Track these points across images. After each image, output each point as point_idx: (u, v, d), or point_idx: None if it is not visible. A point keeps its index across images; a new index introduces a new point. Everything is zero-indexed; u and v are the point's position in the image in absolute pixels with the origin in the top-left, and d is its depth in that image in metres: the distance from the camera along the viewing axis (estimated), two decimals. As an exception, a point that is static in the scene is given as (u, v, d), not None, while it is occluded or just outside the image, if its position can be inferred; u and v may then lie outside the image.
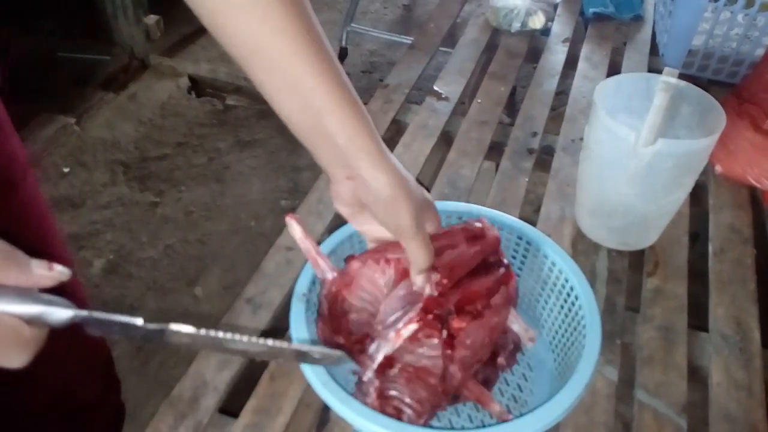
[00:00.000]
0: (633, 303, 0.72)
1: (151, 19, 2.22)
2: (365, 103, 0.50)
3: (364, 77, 2.30)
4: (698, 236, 0.82)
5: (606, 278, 0.74)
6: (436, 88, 1.04)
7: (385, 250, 0.53)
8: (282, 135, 1.96)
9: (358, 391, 0.51)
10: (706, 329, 0.69)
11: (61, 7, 2.30)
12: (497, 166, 0.91)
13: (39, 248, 0.33)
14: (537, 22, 1.17)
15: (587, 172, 0.74)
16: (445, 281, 0.50)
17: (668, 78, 0.67)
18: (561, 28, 1.21)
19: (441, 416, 0.58)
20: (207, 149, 1.90)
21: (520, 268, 0.66)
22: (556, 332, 0.61)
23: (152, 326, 0.36)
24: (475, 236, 0.55)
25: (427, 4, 2.58)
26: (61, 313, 0.34)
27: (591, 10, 1.21)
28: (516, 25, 1.17)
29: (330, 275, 0.55)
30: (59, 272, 0.34)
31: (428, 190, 0.80)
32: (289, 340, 0.52)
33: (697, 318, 0.70)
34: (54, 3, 2.30)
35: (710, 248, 0.78)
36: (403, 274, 0.52)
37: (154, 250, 1.60)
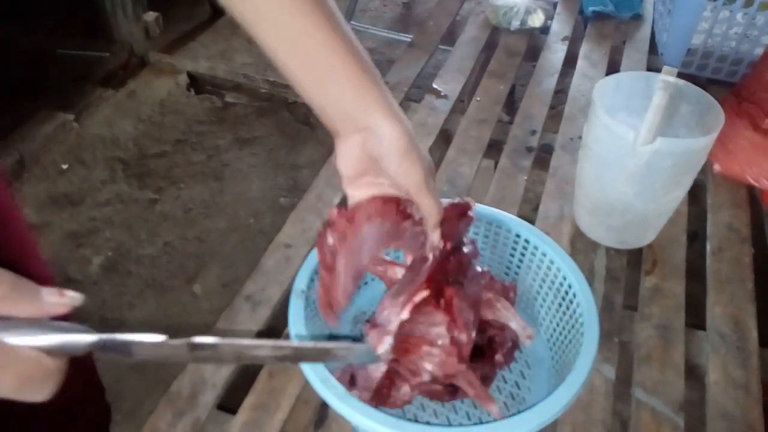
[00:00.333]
0: (631, 301, 0.72)
1: (151, 16, 2.21)
2: None
3: (363, 75, 2.29)
4: (696, 235, 0.82)
5: (604, 277, 0.74)
6: (435, 86, 1.04)
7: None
8: (281, 133, 1.95)
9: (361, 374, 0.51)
10: (703, 328, 0.69)
11: (60, 5, 2.29)
12: (496, 164, 0.91)
13: (19, 267, 0.31)
14: (536, 20, 1.17)
15: (586, 170, 0.75)
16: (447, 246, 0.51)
17: (667, 77, 0.67)
18: (560, 27, 1.21)
19: (438, 413, 0.59)
20: (206, 147, 1.90)
21: (518, 266, 0.66)
22: (554, 330, 0.62)
23: (176, 342, 0.35)
24: (463, 211, 0.56)
25: (426, 2, 2.57)
26: (83, 339, 0.32)
27: (590, 8, 1.21)
28: (515, 24, 1.17)
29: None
30: (71, 298, 0.32)
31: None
32: (288, 337, 0.52)
33: (695, 317, 0.70)
34: (53, 0, 2.30)
35: (708, 247, 0.78)
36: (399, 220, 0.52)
37: (153, 248, 1.60)
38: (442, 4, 1.28)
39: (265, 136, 1.94)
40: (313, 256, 0.58)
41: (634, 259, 0.76)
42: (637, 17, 1.22)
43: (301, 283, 0.56)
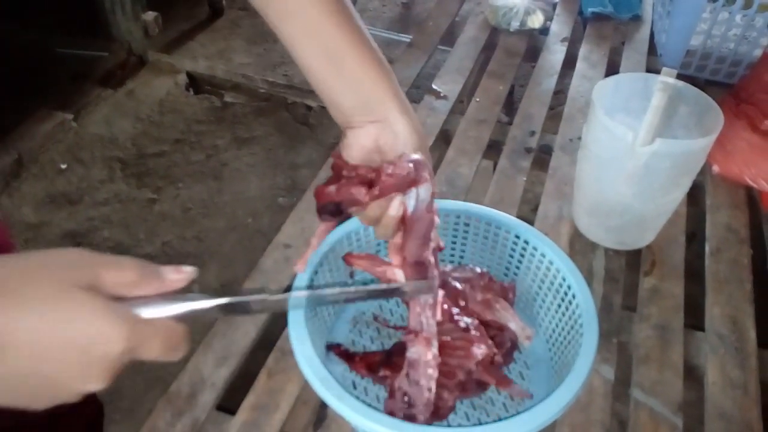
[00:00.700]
0: (630, 302, 0.72)
1: (150, 15, 2.21)
2: None
3: (362, 75, 2.29)
4: (695, 236, 0.82)
5: (603, 277, 0.74)
6: (434, 86, 1.04)
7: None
8: (280, 132, 1.95)
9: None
10: (702, 329, 0.70)
11: (59, 3, 2.29)
12: (495, 164, 0.91)
13: None
14: (536, 21, 1.17)
15: (585, 171, 0.75)
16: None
17: (666, 78, 0.67)
18: (559, 28, 1.21)
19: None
20: (205, 146, 1.90)
21: (517, 267, 0.66)
22: (553, 331, 0.62)
23: (278, 297, 0.43)
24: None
25: (425, 2, 2.57)
26: (206, 305, 0.38)
27: (590, 9, 1.21)
28: (515, 24, 1.17)
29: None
30: (188, 272, 0.38)
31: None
32: (286, 338, 0.52)
33: (694, 317, 0.71)
34: (52, -1, 2.30)
35: (707, 248, 0.78)
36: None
37: (151, 247, 1.59)
38: (441, 4, 1.28)
39: (264, 135, 1.94)
40: (313, 257, 0.58)
41: (633, 259, 0.76)
42: (636, 18, 1.22)
43: (300, 282, 0.56)
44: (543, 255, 0.62)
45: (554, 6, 1.25)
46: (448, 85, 1.04)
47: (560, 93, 1.06)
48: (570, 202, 0.82)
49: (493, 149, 0.94)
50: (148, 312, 0.36)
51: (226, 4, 2.49)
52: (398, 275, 0.56)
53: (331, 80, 0.48)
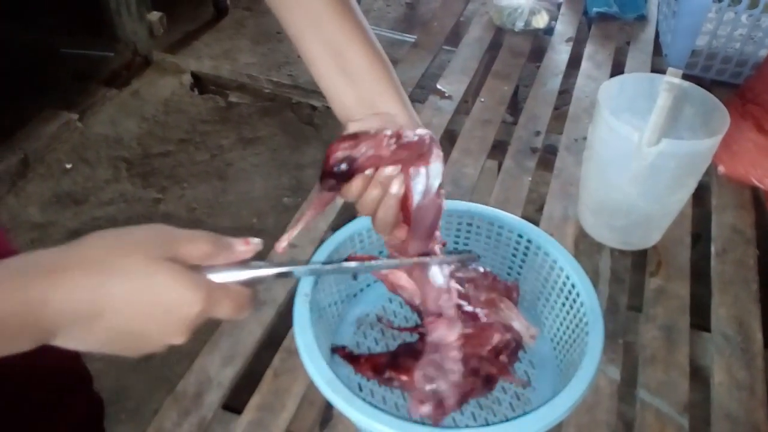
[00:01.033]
0: (635, 303, 0.72)
1: (155, 15, 2.22)
2: None
3: (366, 75, 2.29)
4: (701, 237, 0.82)
5: (608, 278, 0.74)
6: (439, 86, 1.04)
7: None
8: (285, 133, 1.96)
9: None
10: (708, 329, 0.69)
11: (64, 3, 2.30)
12: (500, 165, 0.91)
13: None
14: (540, 21, 1.17)
15: (590, 171, 0.75)
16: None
17: (672, 78, 0.67)
18: (564, 28, 1.21)
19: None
20: (210, 146, 1.90)
21: (521, 267, 0.66)
22: (558, 331, 0.62)
23: (329, 266, 0.51)
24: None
25: (430, 2, 2.57)
26: (268, 272, 0.43)
27: (594, 9, 1.21)
28: (519, 24, 1.17)
29: None
30: (255, 244, 0.42)
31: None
32: (292, 338, 0.52)
33: (700, 318, 0.70)
34: (57, -1, 2.31)
35: (713, 249, 0.78)
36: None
37: (156, 247, 1.60)
38: (446, 4, 1.28)
39: (269, 135, 1.95)
40: (317, 256, 0.58)
41: (639, 260, 0.76)
42: (642, 18, 1.22)
43: (305, 284, 0.56)
44: (548, 255, 0.62)
45: (559, 6, 1.25)
46: (452, 85, 1.04)
47: (565, 93, 1.06)
48: (575, 202, 0.82)
49: (498, 149, 0.94)
50: (220, 278, 0.41)
51: (230, 4, 2.50)
52: (402, 279, 0.57)
53: (334, 73, 0.50)
